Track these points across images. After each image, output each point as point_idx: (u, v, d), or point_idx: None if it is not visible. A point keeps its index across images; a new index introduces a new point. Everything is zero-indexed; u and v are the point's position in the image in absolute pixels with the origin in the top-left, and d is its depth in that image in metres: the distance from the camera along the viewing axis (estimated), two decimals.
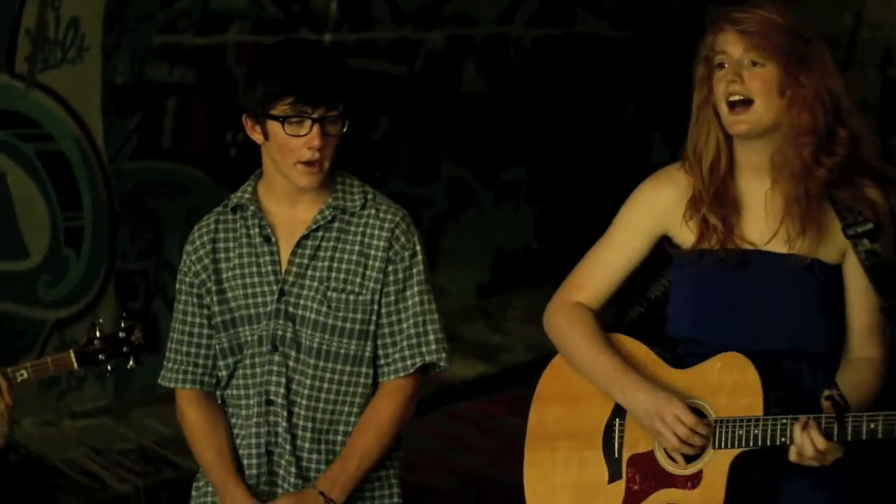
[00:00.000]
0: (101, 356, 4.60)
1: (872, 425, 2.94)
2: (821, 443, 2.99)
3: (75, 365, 4.58)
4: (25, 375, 4.55)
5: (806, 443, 3.01)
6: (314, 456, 3.49)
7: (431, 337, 3.51)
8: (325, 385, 3.46)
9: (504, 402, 7.28)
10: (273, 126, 3.37)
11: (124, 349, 4.61)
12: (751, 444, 3.08)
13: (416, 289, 3.51)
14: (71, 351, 4.58)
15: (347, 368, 3.47)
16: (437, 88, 8.30)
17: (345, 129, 3.42)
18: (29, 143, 6.38)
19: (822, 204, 3.19)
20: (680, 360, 3.31)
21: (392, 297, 3.49)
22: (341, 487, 3.45)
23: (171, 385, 3.61)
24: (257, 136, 3.44)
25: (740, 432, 3.10)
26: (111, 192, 6.75)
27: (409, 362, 3.49)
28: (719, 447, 3.13)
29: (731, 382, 3.17)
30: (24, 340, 6.45)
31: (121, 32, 6.65)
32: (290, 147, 3.35)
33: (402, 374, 3.50)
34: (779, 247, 3.23)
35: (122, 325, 4.64)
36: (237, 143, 7.14)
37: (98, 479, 6.10)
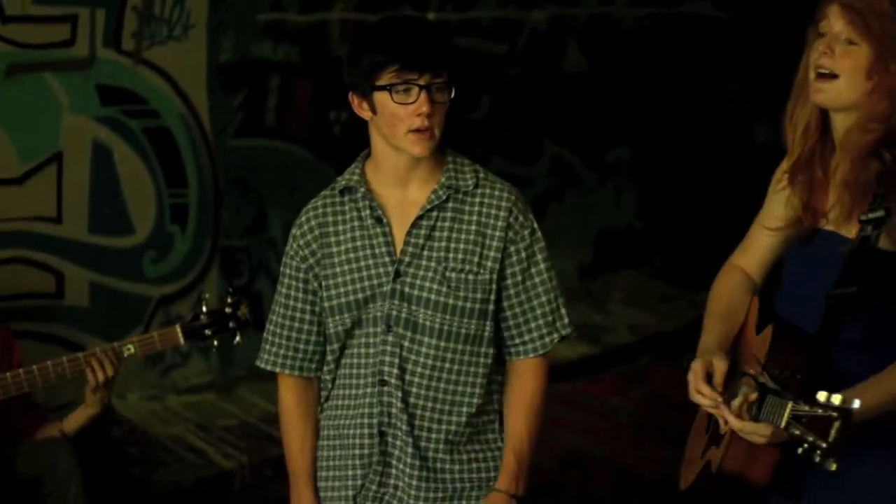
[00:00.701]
0: (206, 331, 4.59)
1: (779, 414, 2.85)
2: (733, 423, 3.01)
3: (181, 340, 4.57)
4: (132, 350, 4.54)
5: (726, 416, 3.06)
6: (433, 436, 3.42)
7: (563, 311, 3.46)
8: (447, 365, 3.40)
9: (606, 382, 7.24)
10: (380, 97, 3.31)
11: (230, 324, 4.60)
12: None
13: (541, 266, 3.45)
14: (177, 326, 4.57)
15: (468, 348, 3.40)
16: (539, 68, 8.22)
17: (451, 97, 3.35)
18: (135, 119, 6.37)
19: (867, 193, 3.10)
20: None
21: (519, 277, 3.43)
22: (523, 481, 3.45)
23: (268, 368, 3.56)
24: (365, 113, 3.38)
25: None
26: (216, 169, 6.76)
27: (546, 339, 3.44)
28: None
29: (758, 353, 3.15)
30: (130, 316, 6.46)
31: (226, 10, 6.64)
32: (399, 116, 3.29)
33: (540, 352, 3.45)
34: (834, 226, 3.18)
35: (228, 300, 4.62)
36: (340, 121, 7.16)
37: (203, 455, 6.07)
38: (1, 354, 4.69)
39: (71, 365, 4.48)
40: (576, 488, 5.97)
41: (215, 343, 4.66)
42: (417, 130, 3.29)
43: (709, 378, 3.14)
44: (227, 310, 4.62)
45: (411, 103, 3.27)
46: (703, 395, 3.13)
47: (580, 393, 7.13)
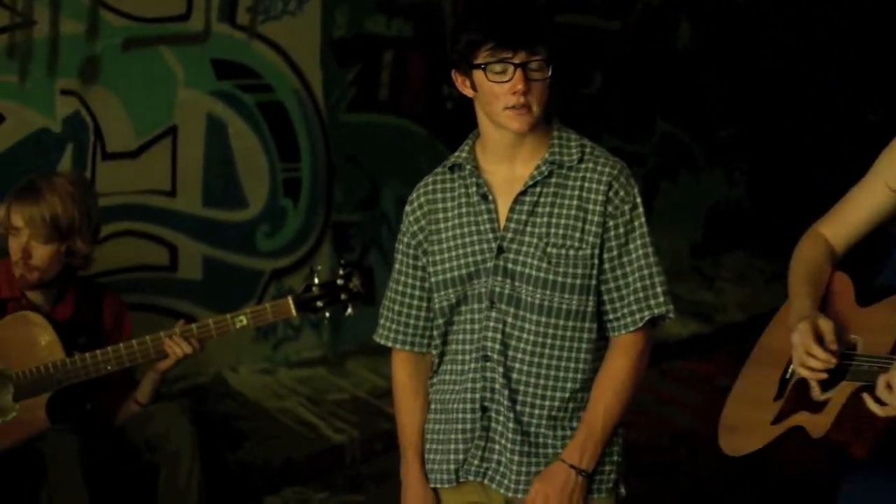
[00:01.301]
0: (318, 303, 4.55)
1: None
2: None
3: (293, 311, 4.53)
4: (245, 321, 4.51)
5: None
6: (535, 411, 3.35)
7: (659, 289, 3.35)
8: (549, 341, 3.33)
9: (716, 361, 7.11)
10: (478, 75, 3.26)
11: (342, 297, 4.56)
12: (870, 379, 2.92)
13: (638, 242, 3.35)
14: (289, 297, 4.54)
15: (570, 324, 3.33)
16: (651, 45, 8.10)
17: (550, 75, 3.26)
18: (249, 94, 6.34)
19: None
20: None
21: (615, 252, 3.34)
22: (591, 455, 3.35)
23: (384, 342, 3.54)
24: (467, 90, 3.34)
25: (866, 367, 2.97)
26: (329, 144, 6.72)
27: (637, 316, 3.34)
28: (849, 380, 2.99)
29: (883, 324, 3.04)
30: (243, 290, 6.45)
31: None
32: (495, 94, 3.24)
33: (631, 329, 3.35)
34: None
35: (340, 272, 4.57)
36: (453, 97, 7.02)
37: (314, 429, 6.03)
38: (112, 326, 4.68)
39: (200, 330, 4.52)
40: (686, 467, 5.87)
41: (327, 315, 4.63)
42: (514, 107, 3.24)
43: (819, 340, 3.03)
44: (339, 282, 4.58)
45: (506, 81, 3.23)
46: (815, 357, 3.00)
47: (691, 371, 7.08)
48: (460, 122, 7.01)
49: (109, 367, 4.47)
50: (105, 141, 5.82)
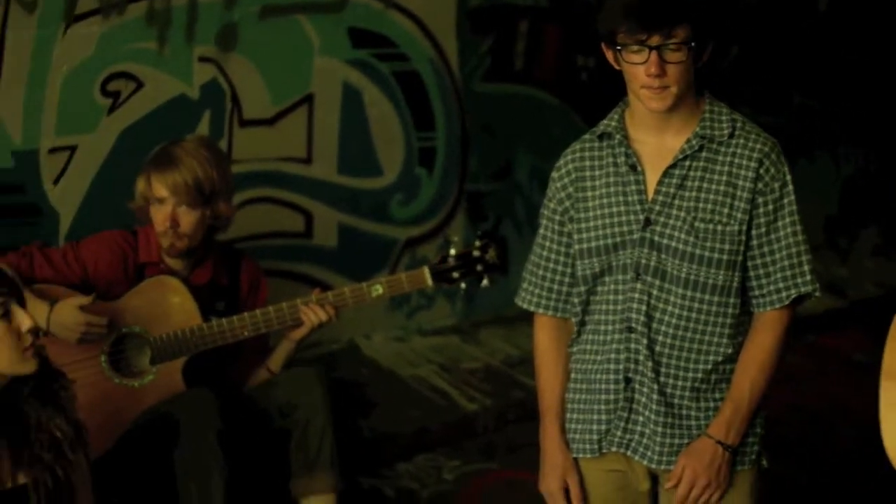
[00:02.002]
0: (454, 274, 4.50)
1: None
2: None
3: (429, 282, 4.48)
4: (381, 291, 4.47)
5: None
6: (679, 383, 3.32)
7: (806, 268, 3.30)
8: (694, 315, 3.29)
9: (851, 337, 7.00)
10: (619, 53, 3.24)
11: (478, 268, 4.49)
12: None
13: (787, 219, 3.29)
14: (426, 267, 4.48)
15: (716, 299, 3.29)
16: (787, 18, 7.87)
17: (689, 57, 3.20)
18: (385, 62, 6.27)
19: None
20: None
21: (763, 229, 3.29)
22: (737, 430, 3.32)
23: (525, 306, 3.52)
24: (615, 64, 3.29)
25: None
26: (464, 114, 6.65)
27: (784, 294, 3.29)
28: None
29: None
30: (377, 258, 6.41)
31: None
32: (633, 73, 3.21)
33: (777, 306, 3.30)
34: None
35: (477, 243, 4.51)
36: (588, 68, 6.99)
37: (446, 397, 5.96)
38: (248, 292, 4.63)
39: (336, 298, 4.51)
40: (818, 443, 5.76)
41: (462, 286, 4.54)
42: (650, 87, 3.20)
43: None
44: (476, 253, 4.51)
45: (641, 63, 3.18)
46: None
47: (825, 347, 6.94)
48: (594, 93, 6.95)
49: (246, 333, 4.43)
50: (242, 108, 5.77)
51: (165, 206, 4.41)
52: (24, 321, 3.32)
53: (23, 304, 3.35)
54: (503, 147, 6.84)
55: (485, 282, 4.54)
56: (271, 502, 4.83)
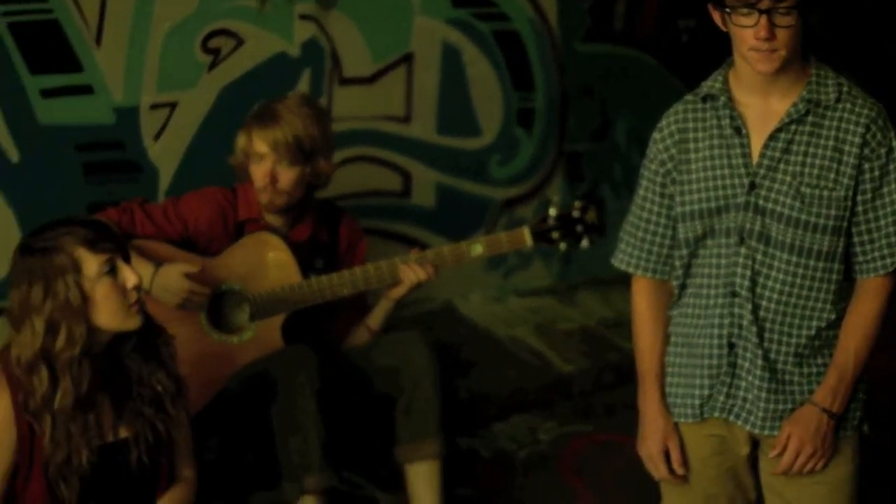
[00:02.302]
0: (554, 234, 4.43)
1: None
2: None
3: (529, 242, 4.43)
4: (480, 250, 4.42)
5: None
6: (783, 348, 3.27)
7: None
8: (798, 280, 3.24)
9: None
10: (727, 15, 3.19)
11: (578, 229, 4.42)
12: None
13: (893, 186, 3.23)
14: (525, 227, 4.42)
15: (821, 264, 3.24)
16: None
17: (798, 21, 3.13)
18: (485, 22, 6.18)
19: None
20: None
21: (868, 195, 3.23)
22: (842, 398, 3.28)
23: (623, 267, 3.48)
24: (722, 26, 3.24)
25: None
26: (563, 74, 6.55)
27: (888, 261, 3.26)
28: None
29: None
30: (475, 218, 6.36)
31: None
32: (741, 36, 3.15)
33: (881, 273, 3.27)
34: None
35: (577, 204, 4.44)
36: (688, 29, 6.88)
37: (542, 358, 5.90)
38: (347, 250, 4.60)
39: (434, 257, 4.48)
40: None
41: (562, 247, 4.47)
42: (759, 50, 3.14)
43: None
44: (576, 214, 4.44)
45: (750, 27, 3.12)
46: None
47: None
48: (695, 54, 6.82)
49: (345, 291, 4.40)
50: (342, 66, 5.73)
51: (265, 162, 4.38)
52: (129, 278, 3.32)
53: (128, 261, 3.35)
54: (602, 108, 6.74)
55: (584, 243, 4.48)
56: (371, 465, 4.85)
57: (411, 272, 4.41)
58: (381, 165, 6.01)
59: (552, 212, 4.45)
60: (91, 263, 3.27)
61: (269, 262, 4.41)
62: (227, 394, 4.38)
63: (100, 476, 3.36)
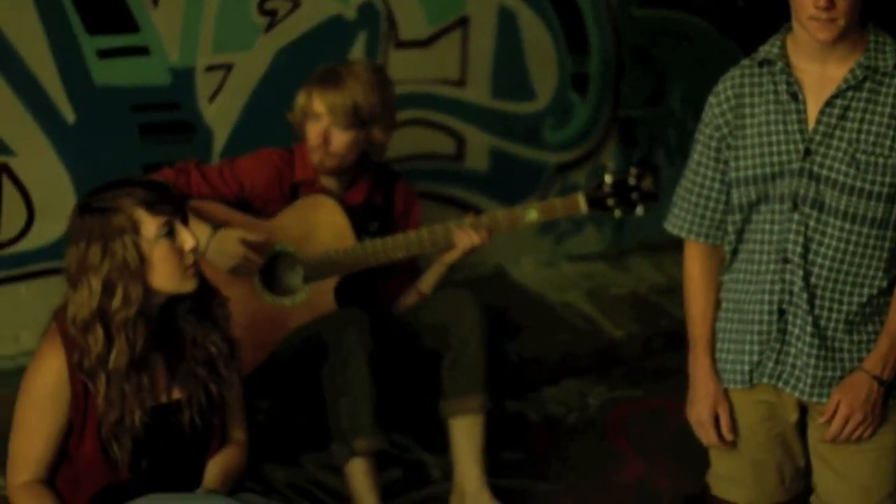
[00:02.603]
0: (609, 201, 4.38)
1: None
2: None
3: (584, 208, 4.39)
4: (535, 215, 4.39)
5: None
6: (833, 315, 3.25)
7: None
8: (851, 247, 3.21)
9: None
10: None
11: (633, 196, 4.37)
12: None
13: None
14: (580, 193, 4.38)
15: (874, 231, 3.20)
16: None
17: None
18: None
19: None
20: None
21: None
22: (893, 366, 3.25)
23: (676, 232, 3.45)
24: None
25: None
26: (619, 39, 6.49)
27: None
28: None
29: None
30: (528, 182, 6.30)
31: None
32: (801, 3, 3.12)
33: None
34: None
35: (633, 171, 4.39)
36: None
37: (593, 323, 5.88)
38: (402, 213, 4.58)
39: (488, 221, 4.42)
40: None
41: (617, 214, 4.43)
42: (817, 18, 3.10)
43: None
44: (632, 181, 4.39)
45: None
46: None
47: None
48: (751, 21, 6.72)
49: (398, 255, 4.38)
50: (397, 29, 5.69)
51: (320, 122, 4.37)
52: (187, 240, 3.31)
53: (186, 223, 3.34)
54: (657, 74, 6.67)
55: (639, 210, 4.43)
56: (418, 426, 4.84)
57: (466, 237, 4.39)
58: (436, 129, 5.97)
59: (608, 178, 4.40)
60: (150, 225, 3.25)
61: (323, 224, 4.39)
62: (279, 356, 4.37)
63: (152, 437, 3.36)
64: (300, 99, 4.44)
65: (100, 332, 3.24)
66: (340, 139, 4.35)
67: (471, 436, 4.33)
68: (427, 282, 4.55)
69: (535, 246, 6.42)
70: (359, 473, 4.20)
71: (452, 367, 4.34)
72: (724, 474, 3.49)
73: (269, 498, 3.64)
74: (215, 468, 3.50)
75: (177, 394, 3.42)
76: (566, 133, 6.38)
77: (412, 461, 4.76)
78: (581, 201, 4.37)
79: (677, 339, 5.80)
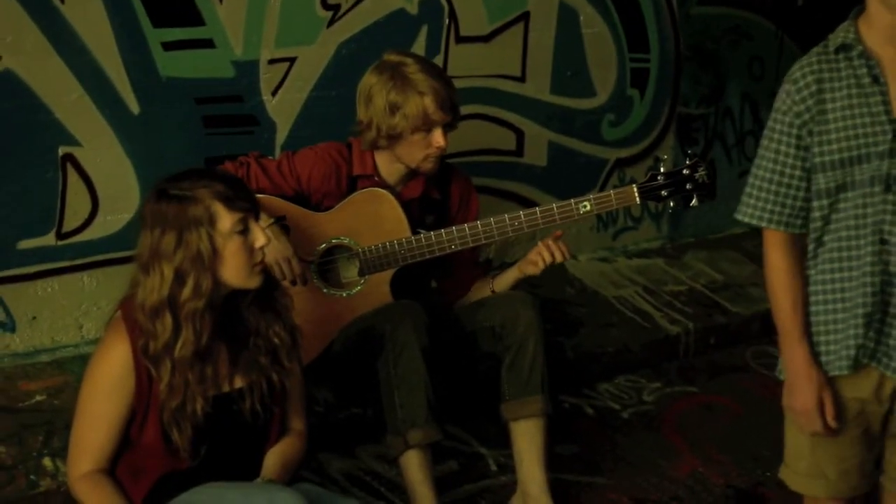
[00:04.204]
0: (663, 192, 4.30)
1: None
2: None
3: (637, 199, 4.28)
4: (588, 207, 4.29)
5: None
6: None
7: None
8: None
9: None
10: None
11: (687, 186, 4.28)
12: None
13: None
14: (634, 185, 4.27)
15: None
16: None
17: None
18: None
19: None
20: None
21: None
22: None
23: (754, 222, 3.31)
24: None
25: None
26: (678, 36, 6.41)
27: None
28: None
29: None
30: (586, 178, 6.25)
31: None
32: None
33: None
34: None
35: (687, 162, 4.29)
36: None
37: (649, 318, 5.78)
38: (459, 207, 4.50)
39: (528, 220, 4.26)
40: None
41: (671, 204, 4.33)
42: None
43: None
44: (685, 171, 4.28)
45: None
46: None
47: None
48: (810, 19, 6.62)
49: (453, 247, 4.30)
50: (458, 24, 5.61)
51: (441, 127, 4.29)
52: (258, 238, 3.27)
53: (258, 220, 3.30)
54: (716, 71, 6.59)
55: (694, 201, 4.31)
56: (477, 423, 4.78)
57: (547, 252, 4.30)
58: (496, 124, 5.90)
59: (662, 169, 4.31)
60: (226, 220, 3.21)
61: (380, 218, 4.31)
62: (335, 348, 4.32)
63: (213, 425, 3.31)
64: (412, 106, 4.22)
65: (168, 319, 3.19)
66: (447, 139, 4.30)
67: (532, 439, 4.25)
68: (501, 284, 4.46)
69: (592, 241, 6.37)
70: (413, 465, 4.13)
71: (511, 370, 4.26)
72: (805, 470, 3.39)
73: (325, 488, 3.58)
74: (274, 457, 3.45)
75: (239, 382, 3.37)
76: (624, 129, 6.31)
77: (469, 454, 4.70)
78: (634, 192, 4.26)
79: (733, 336, 5.76)
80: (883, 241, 3.15)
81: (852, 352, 3.21)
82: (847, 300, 3.22)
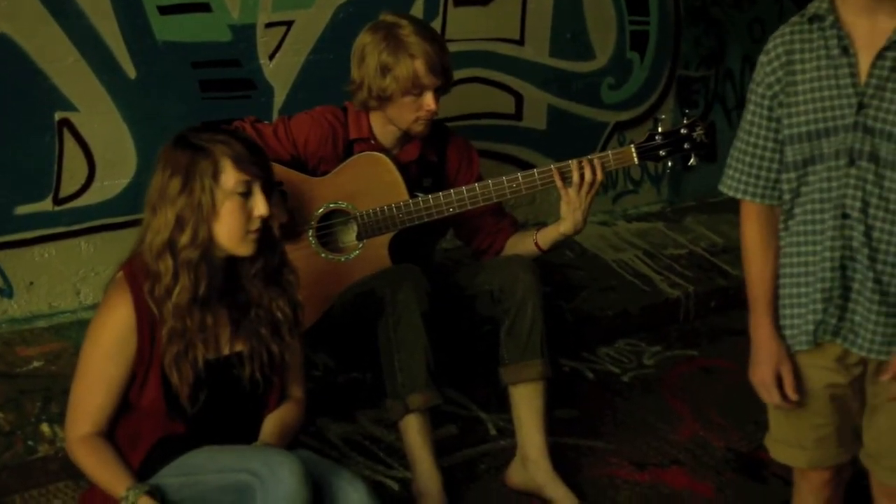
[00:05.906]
0: (661, 151, 4.27)
1: None
2: None
3: (636, 159, 4.25)
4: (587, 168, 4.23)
5: None
6: None
7: None
8: None
9: None
10: None
11: (685, 146, 4.25)
12: None
13: None
14: (632, 145, 4.23)
15: None
16: None
17: None
18: None
19: None
20: None
21: None
22: None
23: (731, 193, 3.31)
24: None
25: None
26: None
27: None
28: None
29: None
30: (585, 141, 6.19)
31: None
32: None
33: None
34: None
35: (685, 121, 4.25)
36: None
37: (649, 282, 5.76)
38: (457, 170, 4.46)
39: (526, 181, 4.22)
40: None
41: (669, 164, 4.29)
42: None
43: None
44: (683, 131, 4.24)
45: None
46: None
47: None
48: None
49: (451, 210, 4.26)
50: None
51: (432, 90, 4.25)
52: (258, 206, 3.27)
53: (268, 193, 3.30)
54: (716, 33, 6.56)
55: (692, 161, 4.27)
56: (477, 387, 4.76)
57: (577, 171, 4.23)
58: (494, 87, 5.86)
59: (660, 129, 4.27)
60: (230, 178, 3.22)
61: (377, 181, 4.27)
62: (334, 312, 4.29)
63: (213, 387, 3.31)
64: (404, 69, 4.19)
65: (169, 261, 3.22)
66: (438, 102, 4.26)
67: (531, 403, 4.22)
68: (544, 240, 4.39)
69: (593, 205, 6.29)
70: (413, 429, 4.10)
71: (510, 334, 4.22)
72: (784, 439, 3.38)
73: (322, 455, 3.57)
74: (272, 423, 3.44)
75: (239, 346, 3.37)
76: (624, 92, 6.27)
77: (468, 418, 4.68)
78: (632, 153, 4.23)
79: (733, 299, 5.73)
80: (845, 216, 3.12)
81: (811, 327, 3.20)
82: (811, 274, 3.21)
